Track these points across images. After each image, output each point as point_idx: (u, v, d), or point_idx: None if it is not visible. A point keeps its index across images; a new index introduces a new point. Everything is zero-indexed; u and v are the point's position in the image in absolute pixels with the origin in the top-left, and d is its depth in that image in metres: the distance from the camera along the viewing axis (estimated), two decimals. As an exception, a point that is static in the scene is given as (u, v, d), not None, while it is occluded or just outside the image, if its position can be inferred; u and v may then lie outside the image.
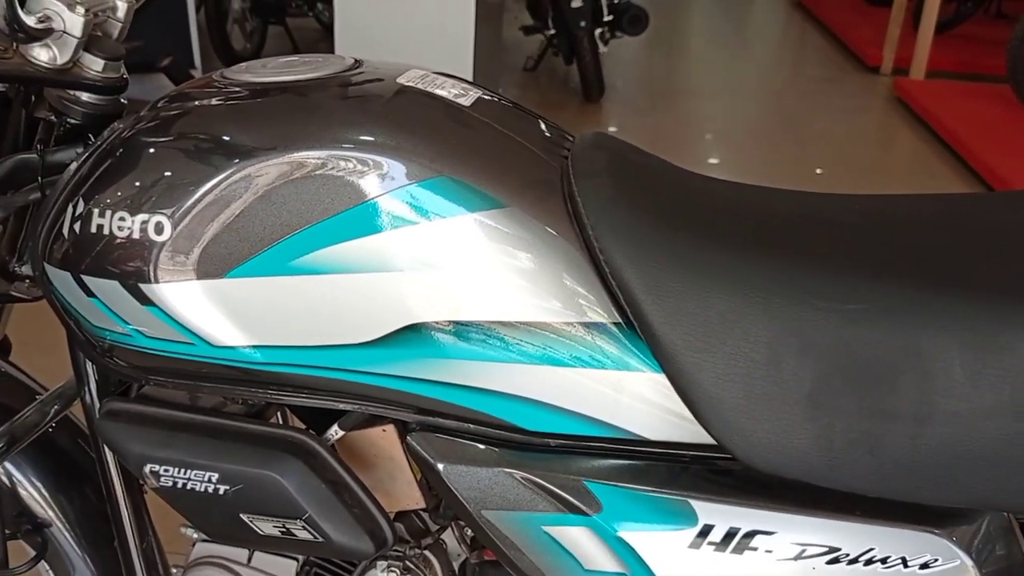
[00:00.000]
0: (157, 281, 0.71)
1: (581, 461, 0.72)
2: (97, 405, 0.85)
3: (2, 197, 0.82)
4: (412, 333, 0.70)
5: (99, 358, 0.79)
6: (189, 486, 0.77)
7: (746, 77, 5.61)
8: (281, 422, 0.94)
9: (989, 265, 0.69)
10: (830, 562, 0.69)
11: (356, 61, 0.81)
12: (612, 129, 4.44)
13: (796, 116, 4.77)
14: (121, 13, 0.85)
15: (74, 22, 0.77)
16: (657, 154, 0.83)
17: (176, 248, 0.70)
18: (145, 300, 0.72)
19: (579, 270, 0.70)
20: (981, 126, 4.14)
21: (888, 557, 0.69)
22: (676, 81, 5.45)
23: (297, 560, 0.90)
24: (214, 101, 0.74)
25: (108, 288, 0.73)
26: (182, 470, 0.77)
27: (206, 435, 0.78)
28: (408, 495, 0.83)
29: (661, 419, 0.70)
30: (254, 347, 0.72)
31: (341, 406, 0.75)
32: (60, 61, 0.78)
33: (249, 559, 0.91)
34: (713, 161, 4.16)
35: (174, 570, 0.98)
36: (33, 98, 0.86)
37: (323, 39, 5.51)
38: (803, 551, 0.69)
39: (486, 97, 0.80)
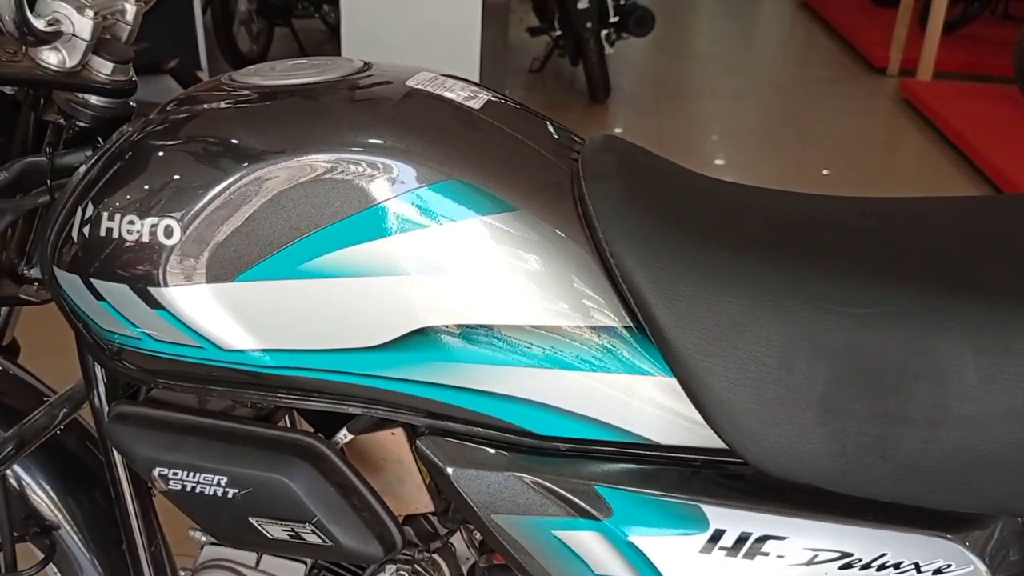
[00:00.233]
0: (166, 285, 0.71)
1: (591, 465, 0.72)
2: (106, 408, 0.85)
3: (11, 200, 0.82)
4: (422, 337, 0.70)
5: (108, 361, 0.79)
6: (198, 490, 0.77)
7: (752, 78, 5.60)
8: (289, 426, 0.94)
9: (1002, 268, 0.68)
10: (842, 567, 0.69)
11: (365, 64, 0.81)
12: (618, 130, 4.44)
13: (802, 117, 4.76)
14: (130, 16, 0.85)
15: (83, 25, 0.76)
16: (663, 155, 0.83)
17: (185, 252, 0.70)
18: (154, 303, 0.72)
19: (589, 273, 0.69)
20: (988, 127, 4.13)
21: (901, 562, 0.68)
22: (682, 82, 5.44)
23: (305, 563, 0.90)
24: (223, 104, 0.74)
25: (117, 292, 0.73)
26: (191, 474, 0.77)
27: (215, 439, 0.77)
28: (417, 499, 0.83)
29: (672, 423, 0.70)
30: (263, 351, 0.72)
31: (350, 410, 0.75)
32: (69, 64, 0.78)
33: (257, 562, 0.91)
34: (719, 162, 4.15)
35: (182, 573, 0.98)
36: (42, 101, 0.86)
37: (329, 40, 5.52)
38: (815, 556, 0.69)
39: (496, 100, 0.80)
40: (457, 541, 0.90)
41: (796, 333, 0.65)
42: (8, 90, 0.84)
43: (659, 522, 0.70)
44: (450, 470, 0.72)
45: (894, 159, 4.32)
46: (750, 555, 0.69)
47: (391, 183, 0.69)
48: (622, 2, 4.67)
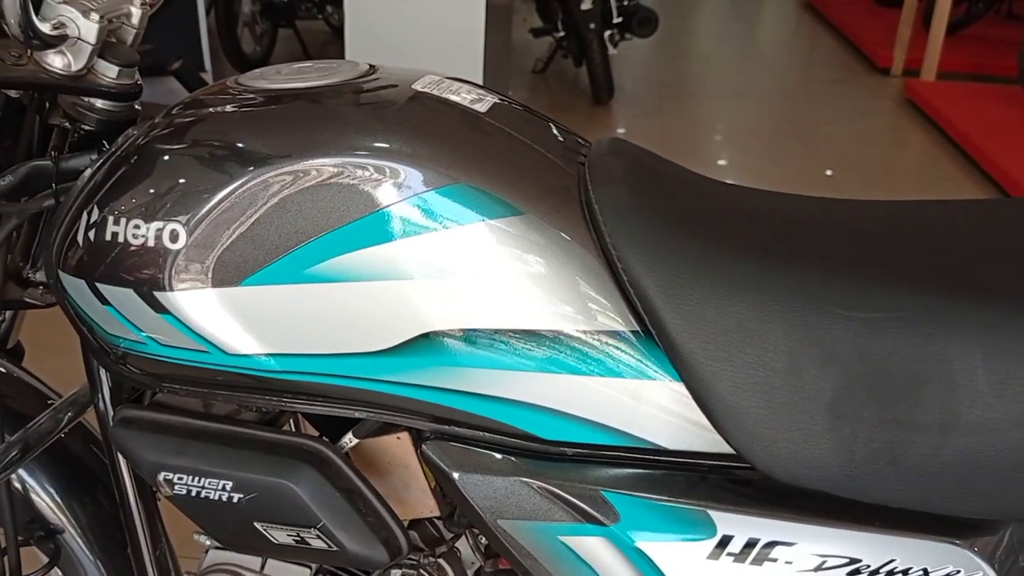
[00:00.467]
0: (172, 289, 0.71)
1: (598, 470, 0.72)
2: (111, 412, 0.85)
3: (16, 204, 0.82)
4: (428, 341, 0.70)
5: (113, 365, 0.79)
6: (203, 494, 0.77)
7: (756, 78, 5.60)
8: (294, 430, 0.93)
9: (1012, 272, 0.68)
10: (851, 573, 0.68)
11: (370, 67, 0.80)
12: (621, 131, 4.44)
13: (806, 118, 4.75)
14: (135, 19, 0.85)
15: (89, 29, 0.76)
16: (667, 156, 0.82)
17: (191, 256, 0.70)
18: (160, 308, 0.72)
19: (596, 277, 0.69)
20: (992, 128, 4.12)
21: (910, 569, 0.68)
22: (686, 83, 5.44)
23: (310, 568, 0.90)
24: (229, 108, 0.74)
25: (123, 296, 0.73)
26: (196, 478, 0.76)
27: (220, 443, 0.77)
28: (422, 503, 0.83)
29: (679, 428, 0.69)
30: (269, 355, 0.72)
31: (356, 414, 0.75)
32: (75, 68, 0.78)
33: (262, 566, 0.90)
34: (722, 162, 4.14)
35: (187, 576, 0.98)
36: (47, 105, 0.86)
37: (332, 42, 5.52)
38: (823, 562, 0.68)
39: (502, 103, 0.80)
40: (462, 545, 0.90)
41: (804, 338, 0.64)
42: (13, 94, 0.84)
43: (666, 528, 0.69)
44: (456, 475, 0.72)
45: (898, 160, 4.31)
46: (758, 561, 0.69)
47: (397, 187, 0.69)
48: (625, 3, 4.66)
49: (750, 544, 0.69)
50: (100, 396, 0.86)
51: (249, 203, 0.69)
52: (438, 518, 0.85)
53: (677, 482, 0.71)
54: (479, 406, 0.71)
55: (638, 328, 0.69)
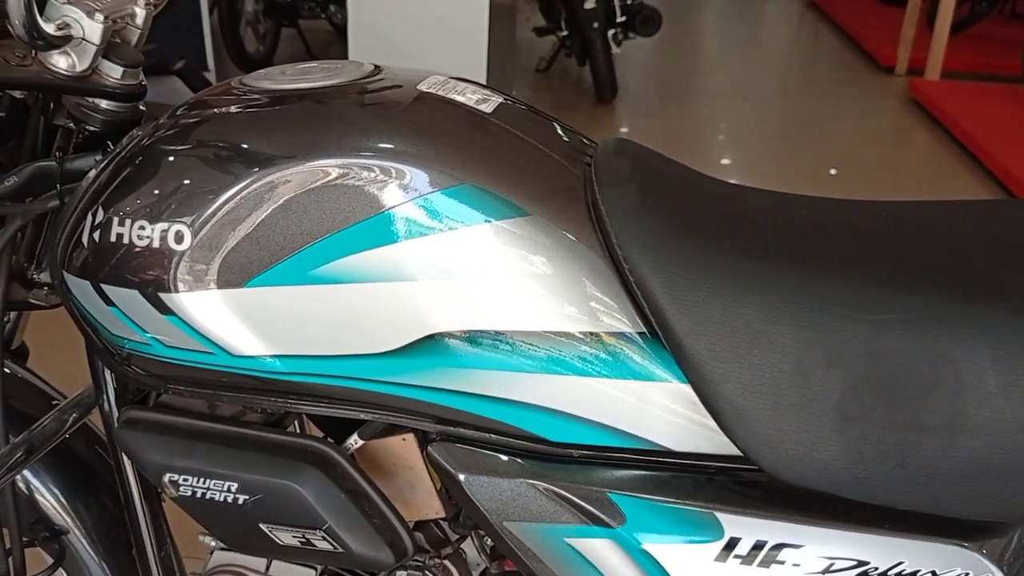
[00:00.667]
0: (177, 290, 0.71)
1: (604, 472, 0.71)
2: (115, 413, 0.85)
3: (21, 204, 0.82)
4: (433, 342, 0.69)
5: (118, 366, 0.78)
6: (208, 496, 0.76)
7: (759, 78, 5.59)
8: (299, 431, 0.93)
9: (1021, 273, 0.67)
10: (859, 576, 0.68)
11: (375, 67, 0.80)
12: (624, 130, 4.43)
13: (810, 117, 4.75)
14: (140, 20, 0.85)
15: (93, 29, 0.76)
16: (671, 155, 0.82)
17: (196, 257, 0.70)
18: (165, 309, 0.71)
19: (603, 279, 0.69)
20: (997, 127, 4.11)
21: (918, 571, 0.68)
22: (689, 82, 5.43)
23: (315, 569, 0.90)
24: (233, 108, 0.74)
25: (127, 297, 0.72)
26: (201, 479, 0.76)
27: (225, 444, 0.77)
28: (428, 504, 0.82)
29: (686, 430, 0.69)
30: (274, 356, 0.72)
31: (361, 416, 0.74)
32: (79, 68, 0.77)
33: (267, 568, 0.90)
34: (726, 162, 4.14)
35: (191, 577, 0.98)
36: (52, 105, 0.86)
37: (335, 41, 5.53)
38: (831, 564, 0.68)
39: (507, 103, 0.79)
40: (468, 547, 0.90)
41: (812, 339, 0.64)
42: (18, 94, 0.84)
43: (673, 530, 0.69)
44: (462, 477, 0.72)
45: (902, 159, 4.31)
46: (765, 563, 0.69)
47: (403, 188, 0.68)
48: (629, 2, 4.66)
49: (757, 546, 0.69)
50: (105, 397, 0.85)
51: (254, 204, 0.69)
52: (443, 519, 0.85)
53: (684, 484, 0.71)
54: (485, 407, 0.71)
55: (644, 329, 0.68)
